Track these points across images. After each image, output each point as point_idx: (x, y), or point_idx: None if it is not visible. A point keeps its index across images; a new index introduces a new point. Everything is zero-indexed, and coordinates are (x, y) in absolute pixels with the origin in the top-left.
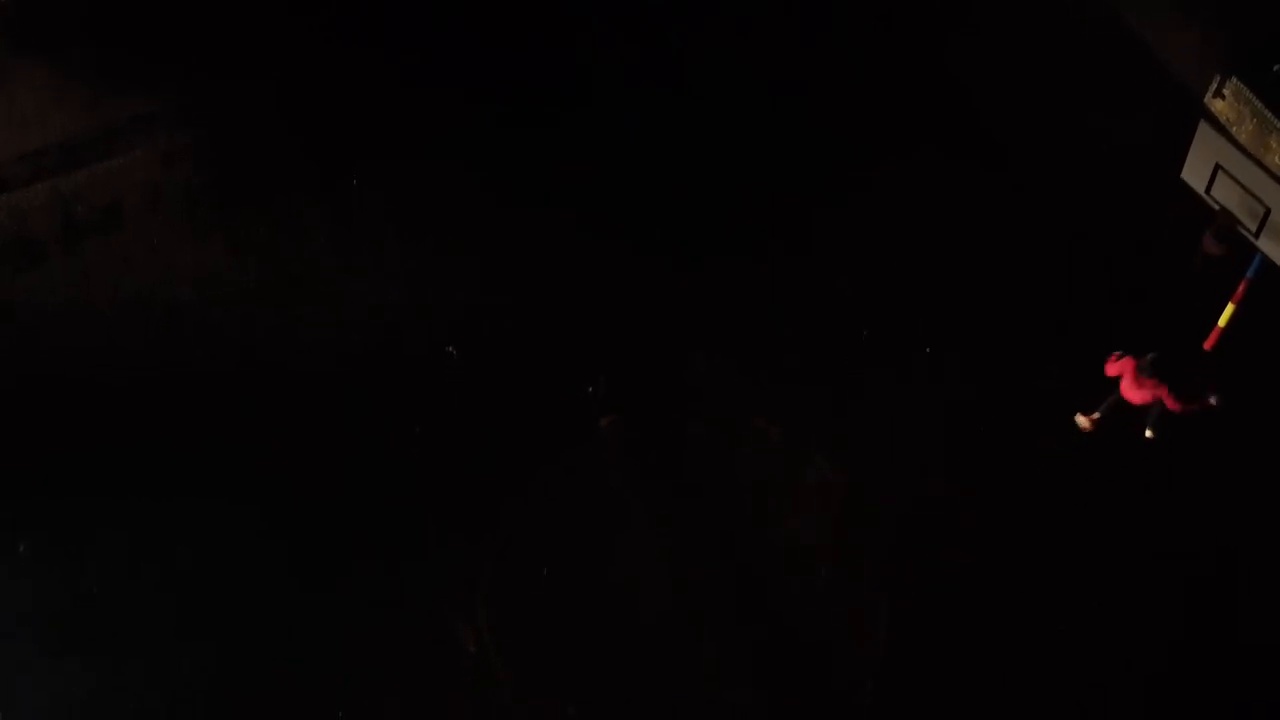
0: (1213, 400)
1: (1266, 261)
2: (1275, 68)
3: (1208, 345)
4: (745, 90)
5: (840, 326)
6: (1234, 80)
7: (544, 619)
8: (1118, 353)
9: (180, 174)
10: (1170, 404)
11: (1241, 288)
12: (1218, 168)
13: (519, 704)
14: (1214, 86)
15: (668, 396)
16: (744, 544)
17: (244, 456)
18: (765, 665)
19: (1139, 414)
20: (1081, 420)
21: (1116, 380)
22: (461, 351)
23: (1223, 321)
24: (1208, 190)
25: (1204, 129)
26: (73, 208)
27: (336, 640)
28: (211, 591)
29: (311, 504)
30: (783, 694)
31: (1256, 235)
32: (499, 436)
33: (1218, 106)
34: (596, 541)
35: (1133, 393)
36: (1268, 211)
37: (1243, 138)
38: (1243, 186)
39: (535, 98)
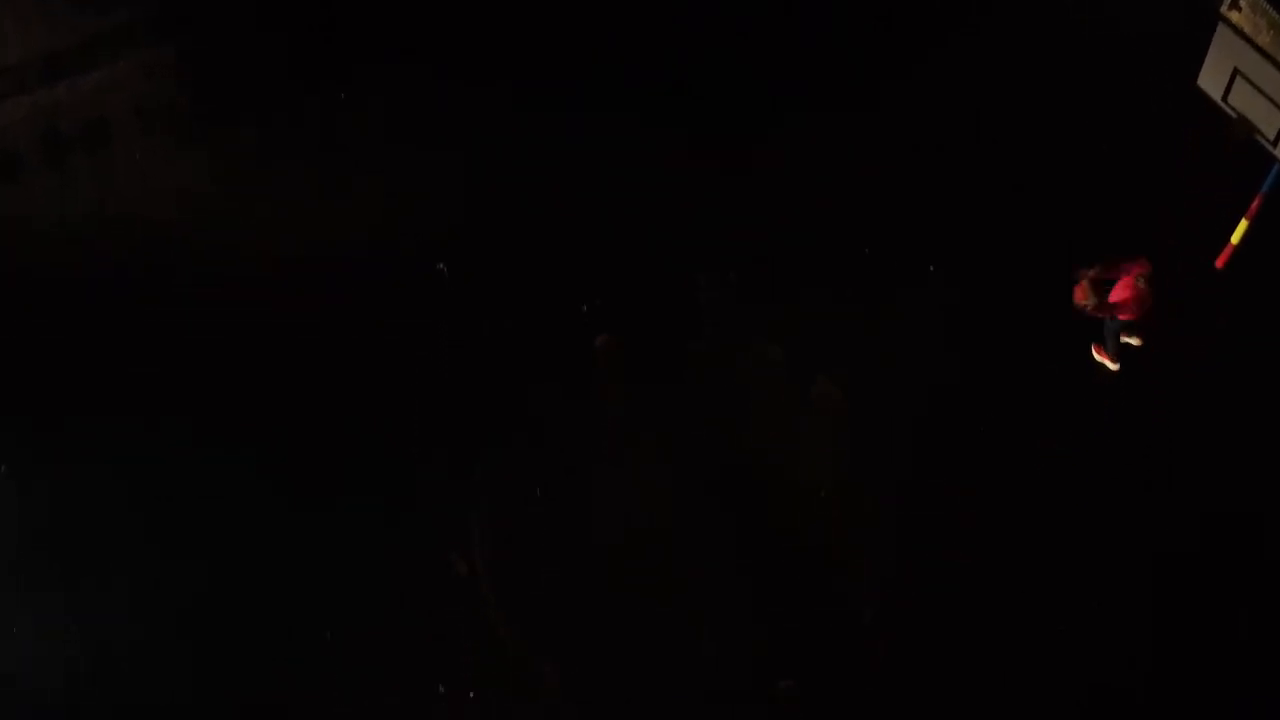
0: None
1: None
2: None
3: (1219, 263)
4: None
5: (842, 244)
6: None
7: (538, 541)
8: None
9: (164, 87)
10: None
11: (1256, 203)
12: (1235, 73)
13: (510, 626)
14: None
15: (666, 315)
16: (744, 464)
17: (230, 377)
18: (765, 587)
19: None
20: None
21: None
22: (452, 269)
23: (1236, 238)
24: (1224, 98)
25: (1222, 32)
26: (54, 122)
27: (325, 561)
28: (198, 513)
29: (300, 425)
30: (783, 616)
31: (1275, 144)
32: (492, 355)
33: (1234, 18)
34: (592, 463)
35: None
36: None
37: (1261, 44)
38: (1261, 92)
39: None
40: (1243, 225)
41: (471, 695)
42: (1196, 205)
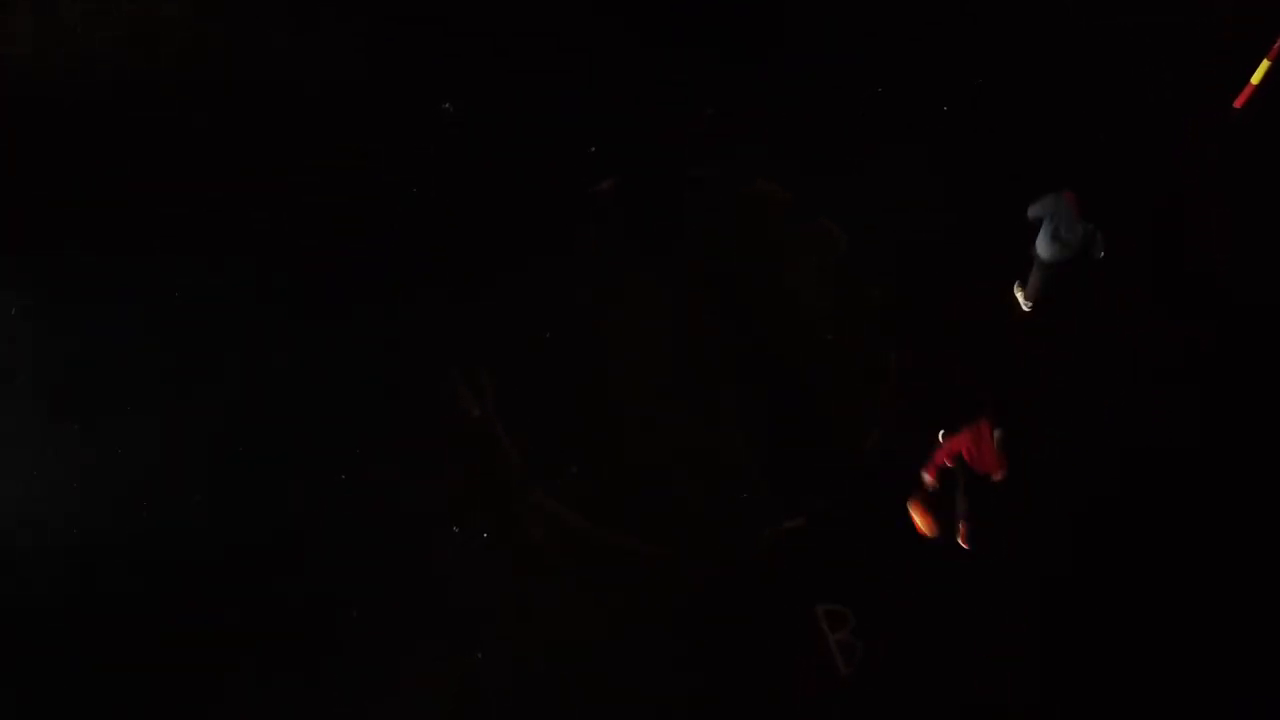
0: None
1: None
2: None
3: (1238, 104)
4: None
5: (852, 83)
6: None
7: (547, 382)
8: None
9: None
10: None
11: (1278, 44)
12: None
13: (520, 465)
14: None
15: (671, 157)
16: (748, 307)
17: (235, 208)
18: (772, 424)
19: None
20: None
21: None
22: (458, 107)
23: (1257, 78)
24: None
25: None
26: None
27: (335, 404)
28: (210, 352)
29: (306, 264)
30: (789, 451)
31: None
32: (498, 196)
33: None
34: (597, 306)
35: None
36: None
37: None
38: None
39: None
40: (1264, 65)
41: (485, 535)
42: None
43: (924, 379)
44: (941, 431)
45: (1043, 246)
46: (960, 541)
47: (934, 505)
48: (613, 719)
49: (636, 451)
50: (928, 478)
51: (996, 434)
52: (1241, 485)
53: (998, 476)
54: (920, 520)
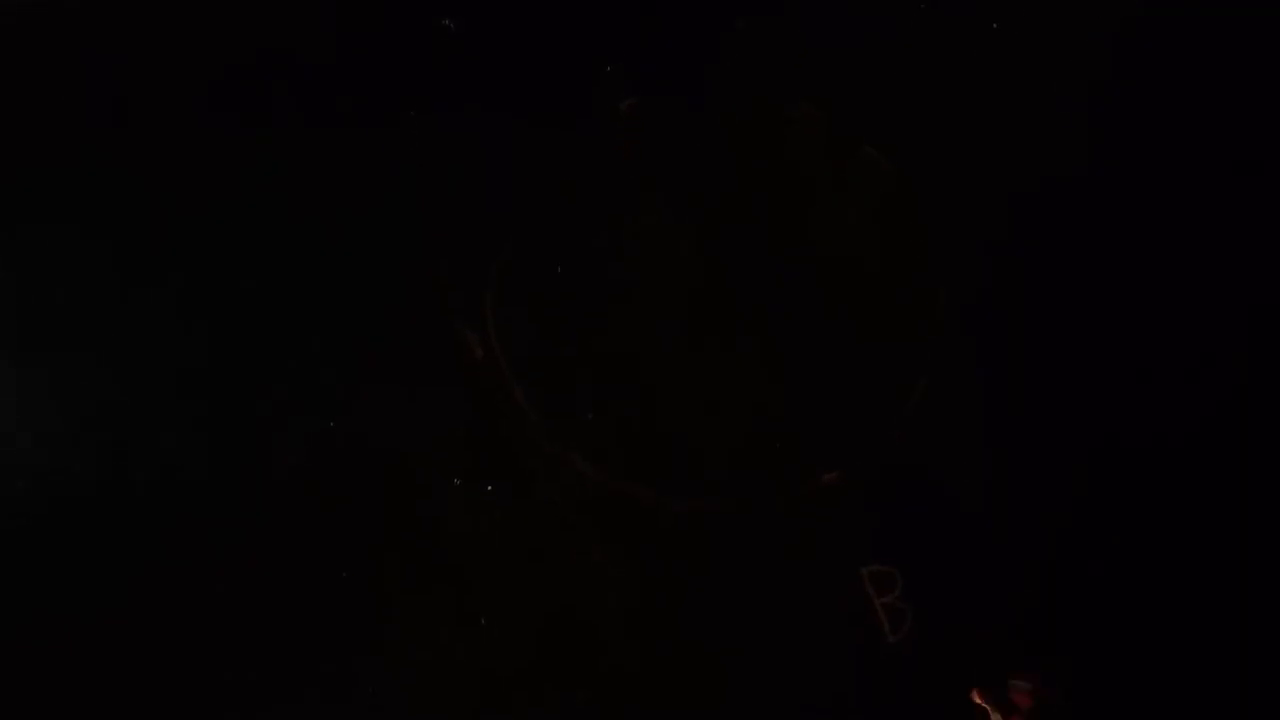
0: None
1: None
2: None
3: None
4: None
5: None
6: None
7: (558, 322)
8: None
9: None
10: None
11: None
12: None
13: (529, 411)
14: None
15: (698, 74)
16: (782, 241)
17: (228, 143)
18: (808, 369)
19: None
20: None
21: None
22: (459, 24)
23: None
24: None
25: None
26: None
27: (325, 346)
28: (191, 288)
29: (293, 196)
30: (826, 398)
31: None
32: (502, 121)
33: None
34: (617, 236)
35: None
36: None
37: None
38: None
39: None
40: None
41: (490, 488)
42: None
43: (978, 320)
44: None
45: None
46: None
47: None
48: (633, 688)
49: (657, 398)
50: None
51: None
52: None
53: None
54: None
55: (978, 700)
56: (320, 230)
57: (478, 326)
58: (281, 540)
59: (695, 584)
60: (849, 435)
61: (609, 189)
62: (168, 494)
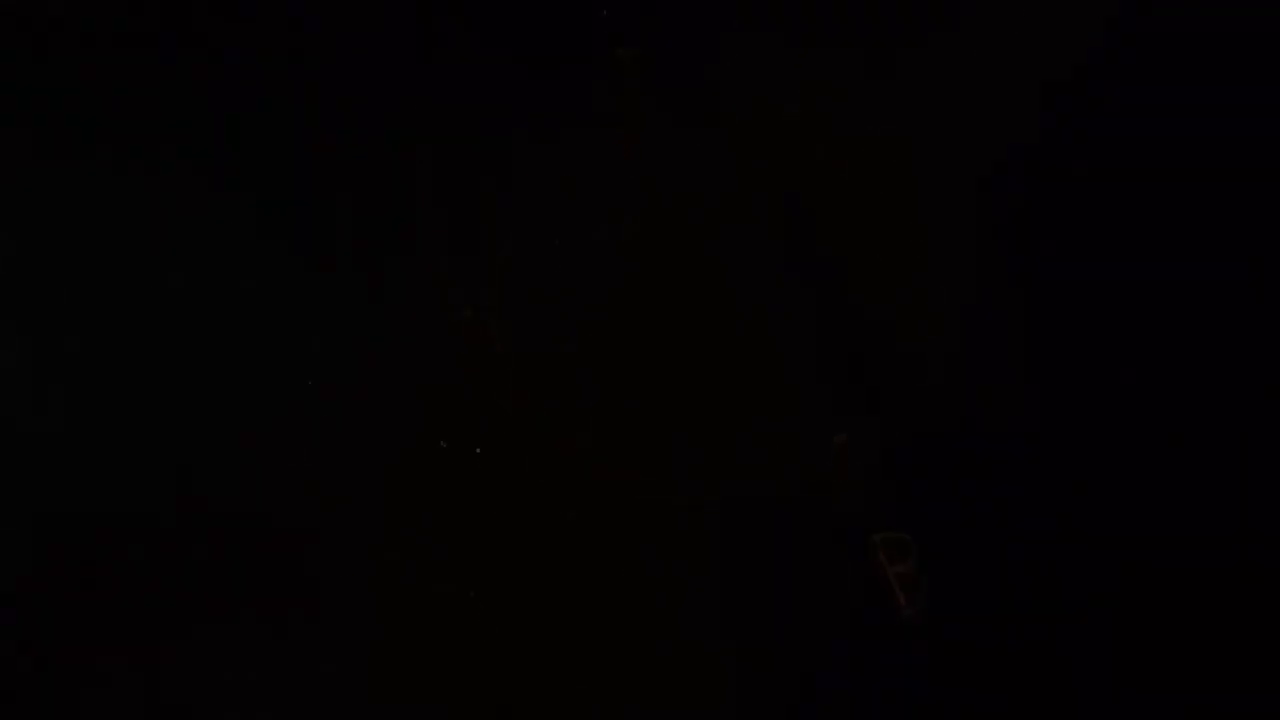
0: None
1: None
2: None
3: None
4: None
5: None
6: None
7: (553, 276)
8: None
9: None
10: None
11: None
12: None
13: (515, 370)
14: None
15: (698, 20)
16: (784, 189)
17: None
18: (818, 324)
19: None
20: None
21: None
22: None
23: None
24: None
25: None
26: None
27: (303, 300)
28: (161, 238)
29: (277, 150)
30: (838, 354)
31: None
32: (497, 69)
33: None
34: (611, 191)
35: None
36: None
37: None
38: None
39: None
40: None
41: (478, 451)
42: None
43: (999, 269)
44: None
45: None
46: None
47: None
48: (631, 663)
49: (656, 353)
50: None
51: None
52: None
53: None
54: None
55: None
56: (299, 182)
57: (465, 285)
58: (250, 502)
59: (694, 550)
60: (864, 391)
61: (606, 145)
62: (123, 458)
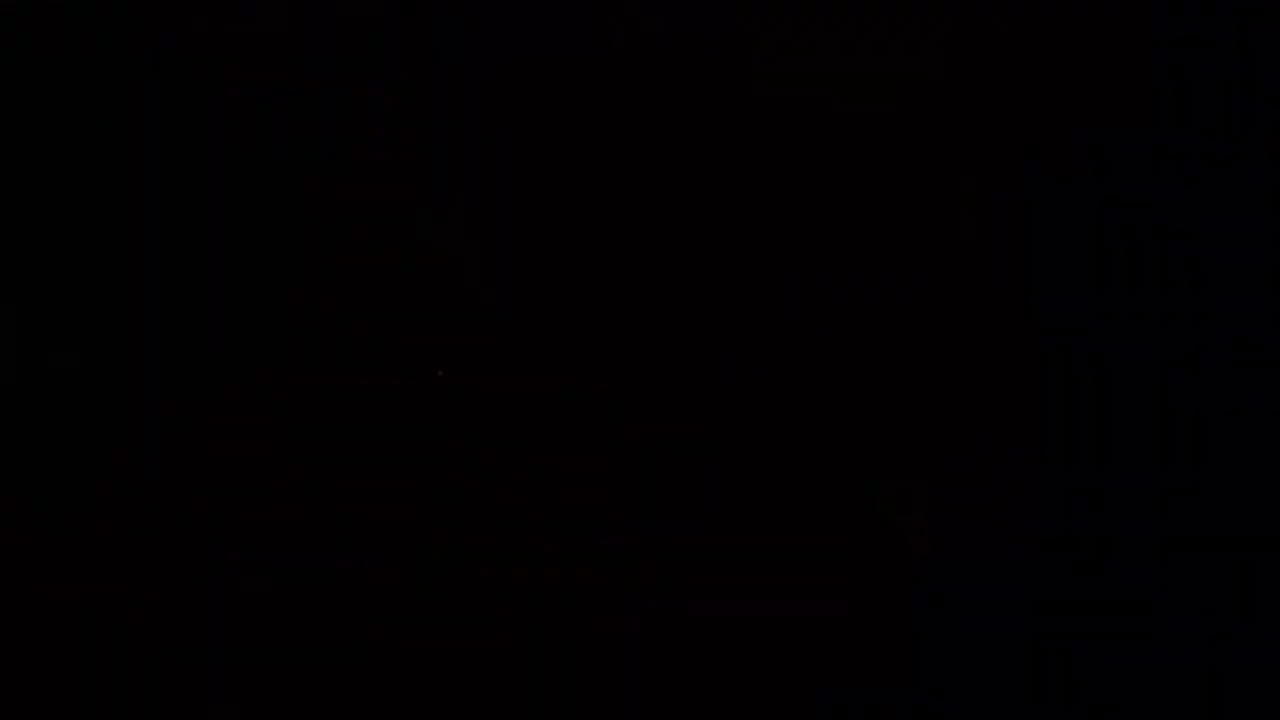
0: None
1: None
2: None
3: None
4: None
5: None
6: None
7: (534, 215)
8: None
9: None
10: None
11: None
12: None
13: (493, 301)
14: None
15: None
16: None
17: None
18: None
19: None
20: None
21: None
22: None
23: None
24: None
25: None
26: None
27: (275, 229)
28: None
29: (258, 96)
30: (840, 295)
31: None
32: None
33: None
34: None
35: None
36: None
37: None
38: None
39: None
40: None
41: (440, 373)
42: None
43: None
44: None
45: None
46: None
47: None
48: (626, 617)
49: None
50: None
51: None
52: None
53: None
54: None
55: None
56: (277, 126)
57: (439, 218)
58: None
59: (693, 498)
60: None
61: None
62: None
